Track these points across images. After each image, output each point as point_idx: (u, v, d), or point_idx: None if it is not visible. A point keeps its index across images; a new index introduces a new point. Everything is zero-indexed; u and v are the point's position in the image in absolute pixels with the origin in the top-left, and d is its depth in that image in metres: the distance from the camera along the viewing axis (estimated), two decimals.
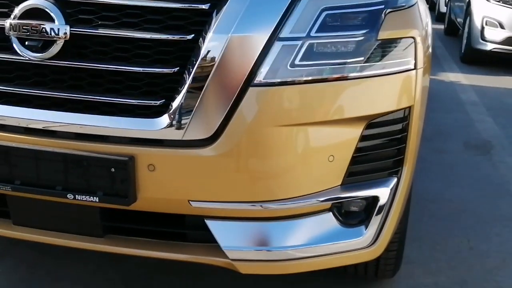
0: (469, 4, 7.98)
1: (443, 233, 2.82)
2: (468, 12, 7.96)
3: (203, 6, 1.52)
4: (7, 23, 1.55)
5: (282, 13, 1.52)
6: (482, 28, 7.39)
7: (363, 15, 1.58)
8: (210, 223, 1.62)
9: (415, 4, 1.75)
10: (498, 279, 2.46)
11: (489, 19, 7.37)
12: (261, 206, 1.59)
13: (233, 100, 1.51)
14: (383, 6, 1.61)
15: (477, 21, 7.50)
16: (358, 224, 1.70)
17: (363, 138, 1.63)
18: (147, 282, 2.29)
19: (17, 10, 1.54)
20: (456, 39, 9.30)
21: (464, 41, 7.96)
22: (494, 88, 6.35)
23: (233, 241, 1.62)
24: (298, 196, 1.60)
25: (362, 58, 1.58)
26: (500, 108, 5.49)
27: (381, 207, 1.70)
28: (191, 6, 1.52)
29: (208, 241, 1.65)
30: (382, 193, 1.69)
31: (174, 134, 1.54)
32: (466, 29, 7.92)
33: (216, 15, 1.51)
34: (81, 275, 2.29)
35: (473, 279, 2.45)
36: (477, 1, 7.66)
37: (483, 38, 7.39)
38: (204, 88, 1.51)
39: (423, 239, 2.69)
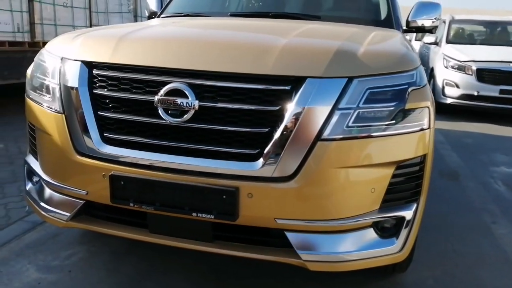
0: (432, 70, 8.03)
1: (432, 239, 2.82)
2: (432, 75, 7.99)
3: (287, 87, 1.63)
4: (156, 98, 1.67)
5: (340, 92, 1.62)
6: (443, 87, 7.42)
7: (395, 92, 1.67)
8: (288, 234, 1.68)
9: (426, 83, 1.84)
10: (477, 272, 2.47)
11: (448, 81, 7.39)
12: (324, 223, 1.66)
13: (306, 150, 1.61)
14: (407, 86, 1.70)
15: (439, 82, 7.53)
16: (391, 236, 1.75)
17: (394, 175, 1.70)
18: (237, 276, 2.31)
19: (163, 90, 1.67)
20: None
21: None
22: (455, 131, 6.32)
23: (305, 247, 1.68)
24: (350, 216, 1.67)
25: (394, 121, 1.66)
26: (461, 146, 5.47)
27: (407, 224, 1.75)
28: (278, 88, 1.63)
29: (285, 246, 1.72)
30: (407, 214, 1.75)
31: (266, 173, 1.62)
32: (431, 88, 7.94)
33: (295, 93, 1.62)
34: (184, 269, 2.33)
35: (459, 273, 2.46)
36: (438, 67, 7.69)
37: (444, 94, 7.40)
38: (287, 142, 1.60)
39: (419, 244, 2.69)
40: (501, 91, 6.98)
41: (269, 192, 1.64)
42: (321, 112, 1.60)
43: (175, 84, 1.66)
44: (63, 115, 1.84)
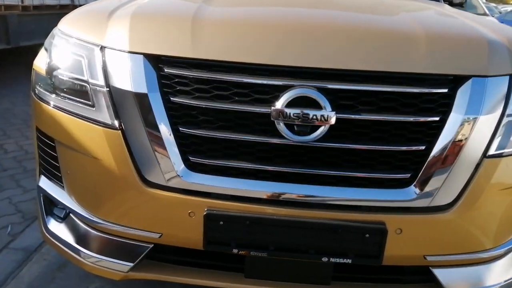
0: None
1: None
2: None
3: (445, 90, 1.21)
4: (272, 109, 1.17)
5: (505, 93, 1.25)
6: None
7: None
8: (436, 271, 1.32)
9: None
10: None
11: None
12: (483, 253, 1.32)
13: (472, 171, 1.24)
14: None
15: None
16: None
17: None
18: None
19: (284, 98, 1.17)
20: None
21: None
22: None
23: (458, 284, 1.34)
24: (507, 241, 1.35)
25: None
26: None
27: None
28: (436, 91, 1.21)
29: (424, 281, 1.37)
30: None
31: (421, 202, 1.23)
32: None
33: (454, 97, 1.22)
34: None
35: None
36: None
37: None
38: (449, 161, 1.22)
39: None
40: None
41: (423, 225, 1.25)
42: (489, 120, 1.22)
43: (302, 89, 1.17)
44: (120, 131, 1.27)
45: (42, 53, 1.52)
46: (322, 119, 1.16)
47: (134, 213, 1.31)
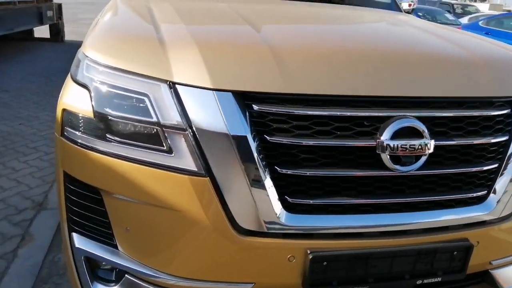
0: None
1: None
2: None
3: (508, 111, 1.31)
4: (377, 142, 1.15)
5: None
6: None
7: None
8: (493, 272, 1.44)
9: None
10: None
11: None
12: None
13: None
14: None
15: None
16: None
17: None
18: None
19: (390, 131, 1.15)
20: None
21: None
22: None
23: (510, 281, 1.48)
24: None
25: None
26: None
27: None
28: (503, 112, 1.30)
29: (477, 283, 1.49)
30: None
31: (496, 214, 1.33)
32: None
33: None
34: None
35: None
36: None
37: None
38: None
39: None
40: None
41: (494, 235, 1.35)
42: None
43: (406, 120, 1.15)
44: (207, 178, 1.11)
45: (72, 89, 1.24)
46: (426, 148, 1.17)
47: (224, 266, 1.17)
